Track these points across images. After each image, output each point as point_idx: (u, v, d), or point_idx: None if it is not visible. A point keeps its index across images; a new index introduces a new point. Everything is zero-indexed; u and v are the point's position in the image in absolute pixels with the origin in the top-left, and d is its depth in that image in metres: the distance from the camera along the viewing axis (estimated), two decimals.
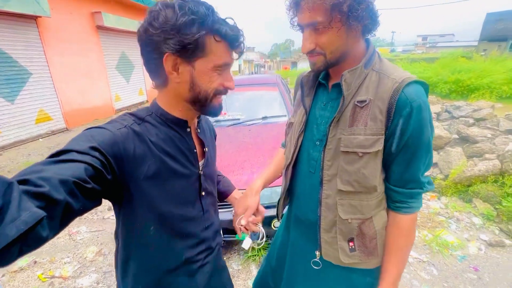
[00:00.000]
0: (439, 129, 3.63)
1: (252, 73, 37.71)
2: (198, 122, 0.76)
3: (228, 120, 2.82)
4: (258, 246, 0.89)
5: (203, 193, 0.74)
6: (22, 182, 0.39)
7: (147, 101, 9.72)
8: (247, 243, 0.83)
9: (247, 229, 0.83)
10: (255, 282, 1.17)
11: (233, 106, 3.03)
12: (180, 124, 0.67)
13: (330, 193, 0.75)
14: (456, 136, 3.56)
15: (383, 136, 0.67)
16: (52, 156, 0.47)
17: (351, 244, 0.76)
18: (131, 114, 0.63)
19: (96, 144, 0.51)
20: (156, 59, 0.58)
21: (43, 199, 0.38)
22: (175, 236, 0.68)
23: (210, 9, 0.57)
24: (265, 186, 0.95)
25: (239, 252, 2.16)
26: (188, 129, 0.70)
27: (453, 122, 4.91)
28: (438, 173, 3.17)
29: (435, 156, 3.31)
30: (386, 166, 0.72)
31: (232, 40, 0.59)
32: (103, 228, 2.58)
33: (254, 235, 0.80)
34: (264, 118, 2.77)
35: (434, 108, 6.13)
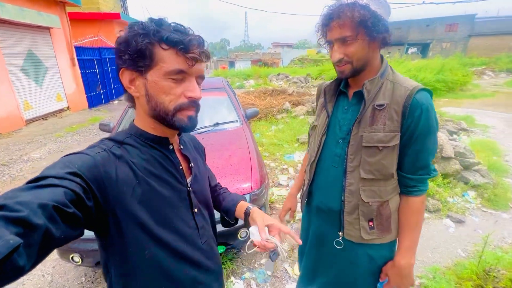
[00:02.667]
0: None
1: None
2: (180, 139, 0.75)
3: None
4: (283, 262, 0.83)
5: (195, 210, 0.72)
6: None
7: (68, 107, 8.35)
8: (269, 266, 0.81)
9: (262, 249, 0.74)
10: None
11: None
12: (161, 142, 0.67)
13: (353, 182, 0.90)
14: None
15: (399, 133, 0.83)
16: (28, 182, 0.45)
17: (370, 223, 0.91)
18: (109, 139, 0.63)
19: (75, 169, 0.50)
20: (118, 76, 0.62)
21: (21, 225, 0.37)
22: (172, 257, 0.65)
23: (157, 21, 0.58)
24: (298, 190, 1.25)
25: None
26: (171, 147, 0.69)
27: None
28: None
29: None
30: (400, 157, 0.87)
31: (179, 44, 0.56)
32: None
33: (274, 255, 0.74)
34: (216, 125, 2.72)
35: None
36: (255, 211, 0.77)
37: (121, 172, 0.57)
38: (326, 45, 0.89)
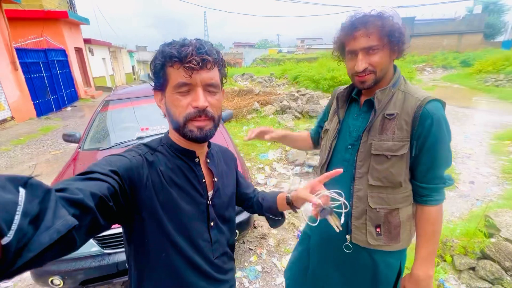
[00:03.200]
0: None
1: (149, 75, 34.47)
2: (209, 152, 0.76)
3: (152, 135, 2.59)
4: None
5: (212, 224, 0.73)
6: (60, 190, 0.42)
7: (12, 117, 7.41)
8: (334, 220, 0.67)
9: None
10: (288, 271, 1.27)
11: (154, 119, 2.80)
12: (188, 155, 0.70)
13: (361, 187, 0.91)
14: None
15: (408, 143, 0.84)
16: (78, 175, 0.51)
17: (377, 229, 0.91)
18: (144, 144, 0.69)
19: (116, 168, 0.56)
20: None
21: (78, 207, 0.42)
22: (185, 264, 0.68)
23: (169, 42, 0.63)
24: (282, 137, 1.23)
25: None
26: (197, 159, 0.71)
27: None
28: None
29: None
30: (413, 167, 0.88)
31: (173, 58, 0.58)
32: None
33: (322, 211, 0.66)
34: None
35: (324, 102, 7.43)
36: (295, 194, 0.76)
37: (151, 177, 0.62)
38: (342, 56, 0.92)
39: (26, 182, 0.35)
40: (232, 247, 0.83)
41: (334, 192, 0.68)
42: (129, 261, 0.70)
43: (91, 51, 14.67)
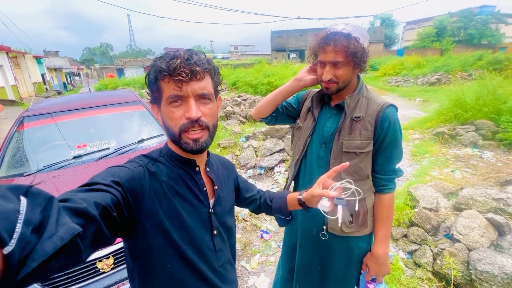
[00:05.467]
0: None
1: (65, 84, 29.78)
2: (207, 161, 0.77)
3: (92, 152, 2.30)
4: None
5: (215, 232, 0.73)
6: (62, 200, 0.42)
7: None
8: (344, 215, 0.68)
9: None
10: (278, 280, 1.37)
11: (92, 135, 2.49)
12: (189, 164, 0.71)
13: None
14: (288, 126, 4.85)
15: (372, 141, 0.99)
16: (80, 186, 0.51)
17: (350, 218, 1.04)
18: (145, 155, 0.69)
19: (118, 179, 0.57)
20: None
21: (82, 216, 0.42)
22: (191, 274, 0.68)
23: (159, 57, 0.63)
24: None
25: None
26: (197, 168, 0.72)
27: None
28: (286, 155, 4.23)
29: (281, 144, 4.38)
30: (373, 161, 1.03)
31: (162, 72, 0.59)
32: None
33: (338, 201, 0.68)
34: (141, 141, 2.50)
35: None
36: (306, 194, 0.77)
37: (153, 187, 0.63)
38: (313, 61, 1.06)
39: (27, 191, 0.34)
40: (233, 255, 0.84)
41: (345, 181, 0.73)
42: (132, 276, 0.68)
43: None
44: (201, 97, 0.63)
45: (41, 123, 2.49)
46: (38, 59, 21.70)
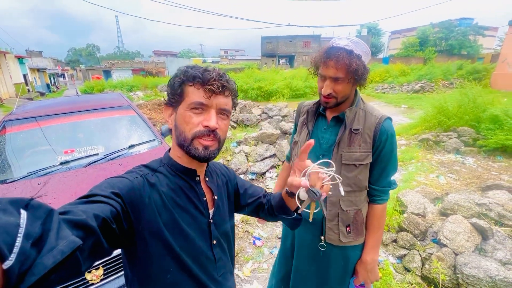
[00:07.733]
0: (270, 128, 4.81)
1: (49, 85, 28.74)
2: (206, 170, 0.77)
3: (80, 158, 2.23)
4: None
5: (214, 242, 0.74)
6: (62, 213, 0.42)
7: None
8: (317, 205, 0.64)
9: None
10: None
11: (80, 140, 2.41)
12: (189, 174, 0.71)
13: (333, 194, 1.01)
14: (279, 131, 4.89)
15: (371, 153, 1.00)
16: (79, 198, 0.51)
17: (347, 228, 1.06)
18: (144, 166, 0.69)
19: (117, 190, 0.57)
20: None
21: (81, 228, 0.42)
22: (192, 285, 0.68)
23: (191, 66, 0.67)
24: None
25: None
26: (197, 178, 0.73)
27: (271, 120, 6.59)
28: (278, 161, 4.26)
29: (273, 149, 4.40)
30: (369, 172, 1.04)
31: (197, 78, 0.63)
32: None
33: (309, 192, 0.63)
34: (132, 146, 2.45)
35: (256, 111, 7.81)
36: (288, 183, 0.71)
37: (152, 198, 0.63)
38: (315, 74, 1.05)
39: (28, 204, 0.34)
40: (232, 262, 0.84)
41: (320, 162, 0.66)
42: (131, 286, 0.68)
43: None
44: (222, 112, 0.67)
45: (26, 127, 2.39)
46: (20, 59, 20.88)
